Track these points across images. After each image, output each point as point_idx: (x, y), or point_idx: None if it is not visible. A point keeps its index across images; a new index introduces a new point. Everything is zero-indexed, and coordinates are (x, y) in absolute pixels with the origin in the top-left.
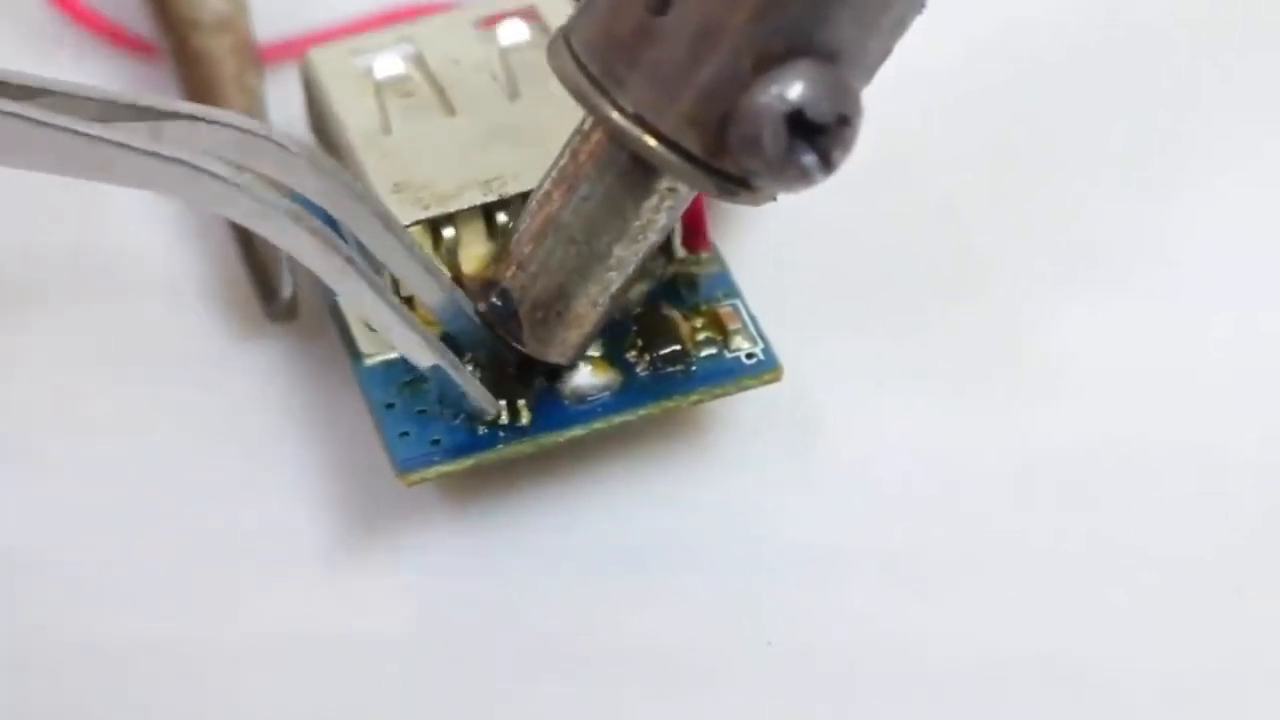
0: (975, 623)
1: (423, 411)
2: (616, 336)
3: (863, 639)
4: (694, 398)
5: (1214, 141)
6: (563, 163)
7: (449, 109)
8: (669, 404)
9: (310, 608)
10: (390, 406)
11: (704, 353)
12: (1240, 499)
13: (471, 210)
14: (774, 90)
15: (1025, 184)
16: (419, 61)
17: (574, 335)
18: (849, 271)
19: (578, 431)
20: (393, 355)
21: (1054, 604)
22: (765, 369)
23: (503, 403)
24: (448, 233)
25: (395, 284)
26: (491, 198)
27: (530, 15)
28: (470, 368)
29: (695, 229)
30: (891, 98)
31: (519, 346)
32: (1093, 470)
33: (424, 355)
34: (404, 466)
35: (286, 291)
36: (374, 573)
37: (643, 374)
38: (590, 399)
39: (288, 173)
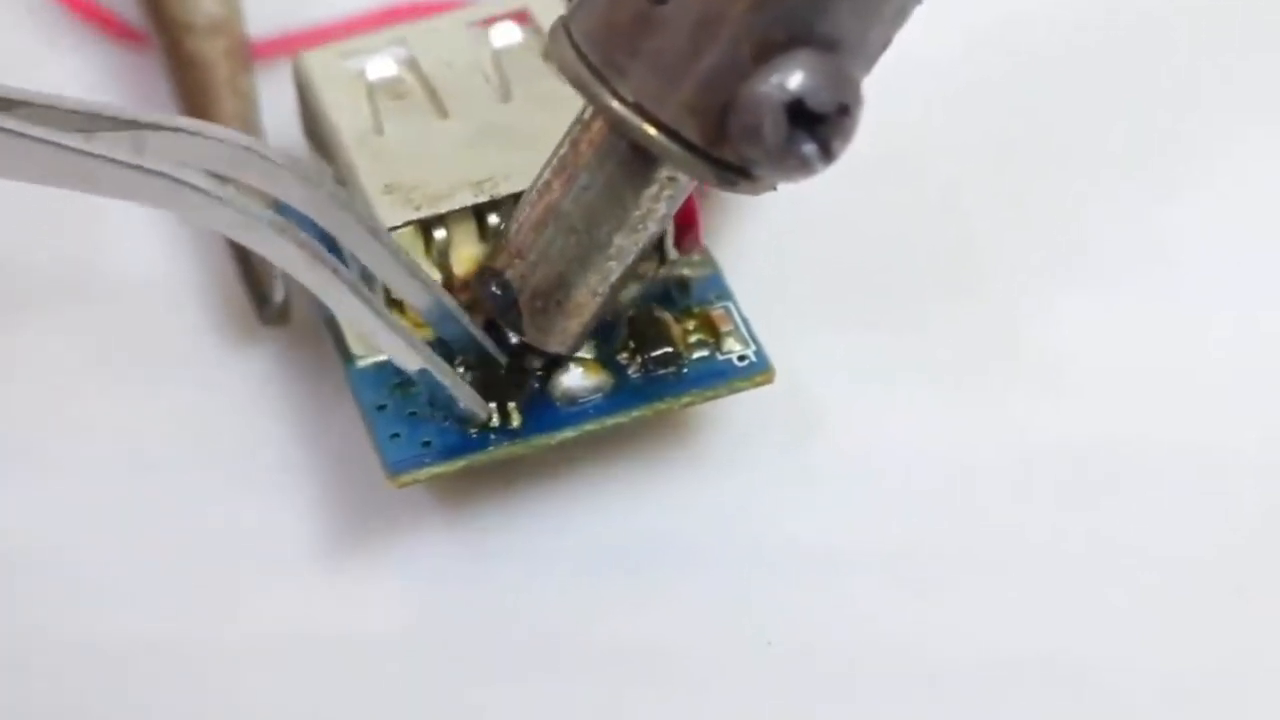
0: (975, 622)
1: (414, 413)
2: (608, 338)
3: (863, 639)
4: (685, 400)
5: (1214, 140)
6: (563, 152)
7: (441, 110)
8: (660, 406)
9: (308, 608)
10: (381, 408)
11: (696, 355)
12: (1240, 499)
13: (463, 211)
14: (774, 79)
15: (1025, 178)
16: (411, 63)
17: (574, 324)
18: (847, 265)
19: (569, 433)
20: (384, 357)
21: (1054, 603)
22: (757, 371)
23: (493, 405)
24: (439, 234)
25: (387, 290)
26: (483, 199)
27: (523, 17)
28: (461, 370)
29: (688, 231)
30: (891, 89)
31: (519, 336)
32: (1092, 469)
33: (411, 360)
34: (394, 468)
35: (279, 297)
36: (371, 574)
37: (634, 376)
38: (582, 401)
39: (273, 183)
